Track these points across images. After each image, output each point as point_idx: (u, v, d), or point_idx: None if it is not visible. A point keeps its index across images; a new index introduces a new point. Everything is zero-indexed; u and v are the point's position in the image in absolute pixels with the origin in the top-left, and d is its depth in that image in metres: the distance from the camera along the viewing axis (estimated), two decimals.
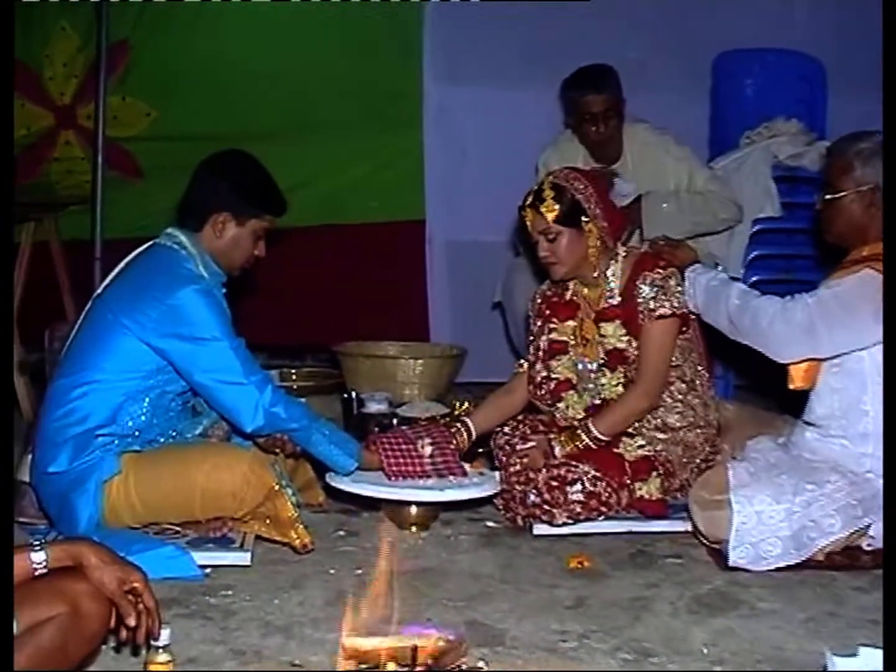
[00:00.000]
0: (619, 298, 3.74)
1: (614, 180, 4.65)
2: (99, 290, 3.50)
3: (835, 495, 3.35)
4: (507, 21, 5.62)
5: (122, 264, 3.52)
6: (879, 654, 2.34)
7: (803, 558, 3.31)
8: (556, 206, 3.63)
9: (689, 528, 3.55)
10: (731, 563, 3.29)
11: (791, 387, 3.51)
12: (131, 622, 2.16)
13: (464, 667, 2.43)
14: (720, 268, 4.28)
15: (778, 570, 3.28)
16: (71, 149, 5.85)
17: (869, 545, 3.41)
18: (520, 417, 3.90)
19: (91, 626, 2.14)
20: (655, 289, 3.65)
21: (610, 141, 4.72)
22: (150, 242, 3.51)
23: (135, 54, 5.74)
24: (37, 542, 2.15)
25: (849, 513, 3.34)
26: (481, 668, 2.50)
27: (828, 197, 3.46)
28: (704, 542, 3.47)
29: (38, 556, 2.11)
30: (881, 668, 2.30)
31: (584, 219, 3.65)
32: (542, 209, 3.64)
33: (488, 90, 5.66)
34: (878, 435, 3.35)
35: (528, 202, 3.70)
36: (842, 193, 3.43)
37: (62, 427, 3.29)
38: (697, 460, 3.73)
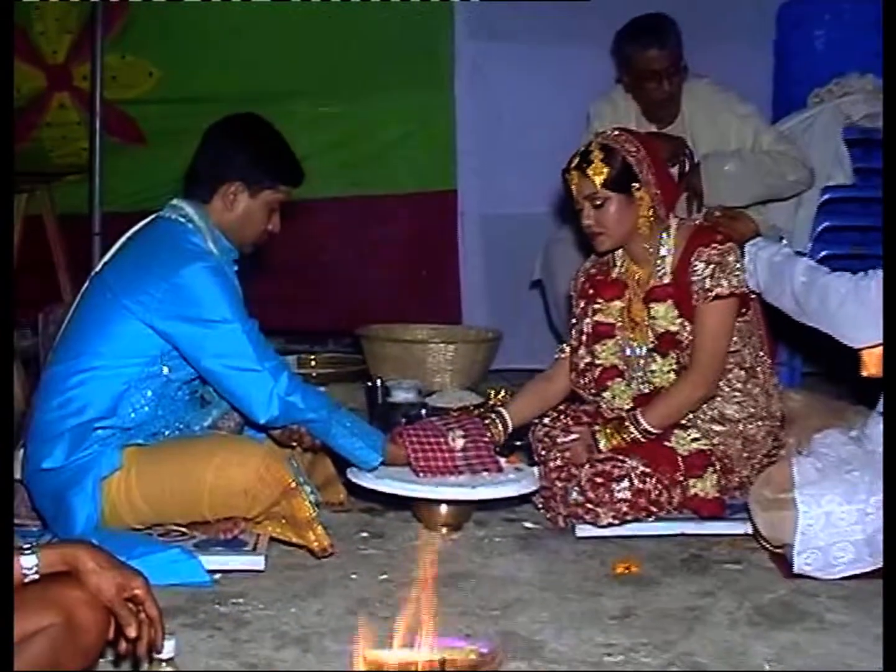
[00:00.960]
0: (671, 276, 3.73)
1: None
2: (97, 268, 3.51)
3: None
4: None
5: (122, 239, 3.52)
6: None
7: (878, 565, 3.27)
8: (605, 169, 3.62)
9: (749, 530, 3.54)
10: (796, 570, 3.27)
11: (864, 374, 3.49)
12: (131, 633, 2.16)
13: None
14: (785, 241, 4.25)
15: (849, 578, 3.26)
16: (65, 112, 5.88)
17: None
18: (561, 408, 3.90)
19: (87, 638, 2.14)
20: (712, 266, 3.63)
21: (670, 100, 4.72)
22: (154, 215, 3.52)
23: (135, 7, 5.74)
24: (27, 546, 2.14)
25: None
26: None
27: None
28: (766, 546, 3.45)
29: (29, 561, 2.10)
30: None
31: (634, 185, 3.64)
32: (590, 172, 3.63)
33: (526, 46, 5.66)
34: None
35: (573, 164, 3.69)
36: None
37: (57, 419, 3.30)
38: (759, 455, 3.72)
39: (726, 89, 4.79)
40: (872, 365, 3.46)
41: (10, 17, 2.53)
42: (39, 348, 4.04)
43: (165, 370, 3.39)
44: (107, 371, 3.32)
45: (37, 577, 2.12)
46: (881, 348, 3.42)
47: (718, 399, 3.71)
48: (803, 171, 4.74)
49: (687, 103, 4.76)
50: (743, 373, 3.73)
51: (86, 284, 3.51)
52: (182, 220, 3.44)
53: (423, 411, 4.30)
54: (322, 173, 5.76)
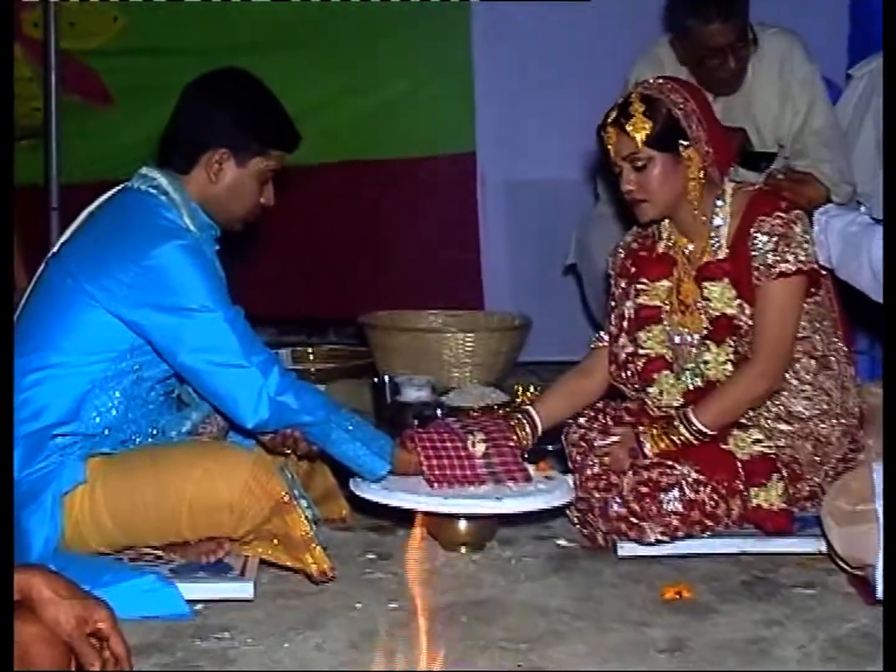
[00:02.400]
0: (727, 250, 3.73)
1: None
2: (55, 249, 3.52)
3: None
4: None
5: (84, 214, 3.53)
6: None
7: None
8: (648, 124, 3.62)
9: (823, 548, 3.53)
10: (879, 596, 3.24)
11: None
12: None
13: None
14: (863, 208, 4.24)
15: None
16: (16, 66, 5.86)
17: None
18: (599, 406, 3.91)
19: None
20: (775, 238, 3.63)
21: (735, 77, 4.68)
22: (121, 186, 3.53)
23: None
24: None
25: None
26: None
27: None
28: (843, 566, 3.44)
29: None
30: None
31: (682, 142, 3.64)
32: (629, 127, 3.63)
33: None
34: None
35: (610, 119, 3.69)
36: None
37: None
38: (833, 459, 3.73)
39: (792, 38, 4.75)
40: None
41: (10, 18, 2.52)
42: None
43: (136, 367, 3.39)
44: (67, 369, 3.33)
45: None
46: None
47: (784, 394, 3.71)
48: (845, 188, 4.66)
49: (750, 65, 4.72)
50: (813, 363, 3.73)
51: (41, 268, 3.51)
52: (154, 191, 3.44)
53: (439, 412, 4.32)
54: (318, 135, 5.77)
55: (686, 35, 4.64)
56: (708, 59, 4.58)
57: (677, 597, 3.34)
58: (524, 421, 3.88)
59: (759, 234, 3.64)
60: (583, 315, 5.24)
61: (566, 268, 5.29)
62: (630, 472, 3.60)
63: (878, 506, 3.29)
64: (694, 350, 3.78)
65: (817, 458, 3.70)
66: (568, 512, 3.75)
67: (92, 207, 3.52)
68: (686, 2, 4.60)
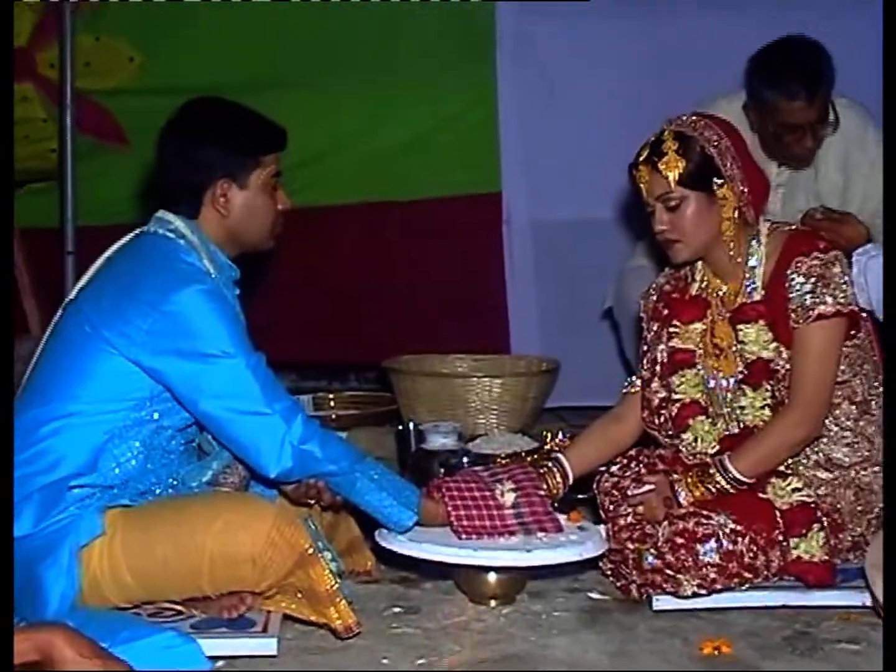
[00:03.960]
0: (763, 292, 3.73)
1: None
2: (72, 295, 3.53)
3: None
4: None
5: (101, 259, 3.54)
6: None
7: None
8: (681, 162, 3.64)
9: (868, 601, 3.51)
10: None
11: None
12: None
13: None
14: None
15: None
16: (29, 107, 5.92)
17: None
18: (632, 453, 3.91)
19: None
20: (813, 279, 3.63)
21: (808, 154, 4.62)
22: (138, 231, 3.55)
23: None
24: None
25: None
26: None
27: None
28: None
29: None
30: None
31: (716, 181, 3.65)
32: (662, 166, 3.65)
33: (582, 17, 5.65)
34: None
35: (642, 157, 3.71)
36: None
37: (26, 476, 3.29)
38: (876, 509, 3.71)
39: (867, 119, 4.69)
40: None
41: (9, 18, 2.53)
42: None
43: (155, 416, 3.40)
44: (85, 418, 3.33)
45: None
46: None
47: (824, 440, 3.71)
48: None
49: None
50: (854, 408, 3.73)
51: (58, 314, 3.53)
52: (171, 235, 3.46)
53: (465, 459, 4.31)
54: (338, 175, 5.84)
55: (765, 106, 4.55)
56: (785, 134, 4.52)
57: (716, 653, 3.31)
58: (554, 469, 3.88)
59: (796, 276, 3.64)
60: (613, 359, 5.23)
61: (604, 312, 5.28)
62: (665, 522, 3.58)
63: None
64: (729, 395, 3.78)
65: (860, 507, 3.69)
66: (601, 563, 3.74)
67: (109, 252, 3.54)
68: (770, 73, 4.50)
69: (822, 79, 4.45)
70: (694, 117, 3.74)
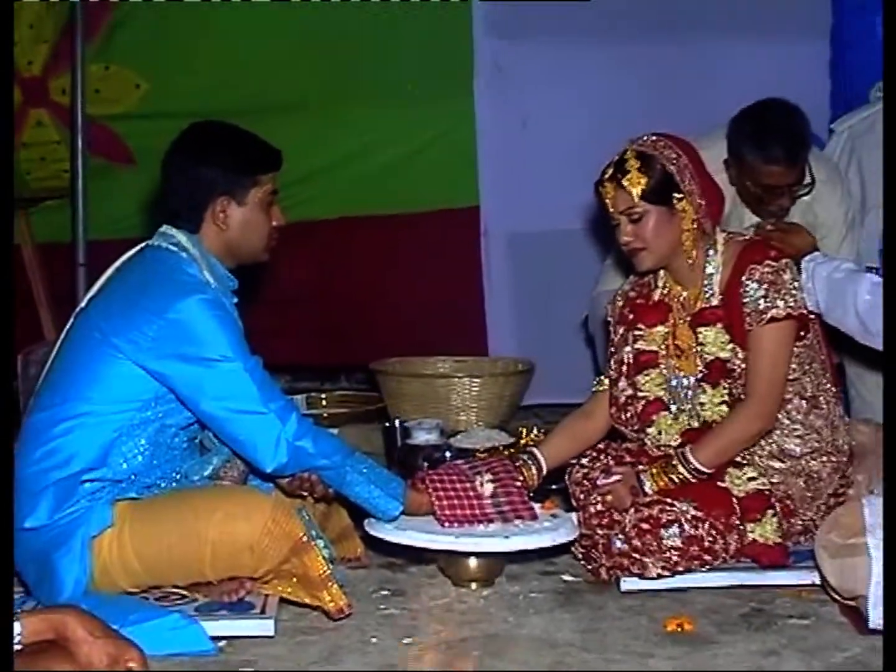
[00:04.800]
0: (720, 297, 3.74)
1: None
2: (83, 304, 3.53)
3: None
4: None
5: (109, 271, 3.54)
6: None
7: None
8: (643, 179, 3.64)
9: (817, 580, 3.52)
10: (872, 626, 3.23)
11: None
12: None
13: None
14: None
15: None
16: (44, 131, 5.92)
17: None
18: (601, 446, 3.91)
19: None
20: (765, 285, 3.65)
21: (786, 212, 4.50)
22: (143, 244, 3.54)
23: (119, 12, 5.78)
24: None
25: None
26: None
27: None
28: (837, 597, 3.42)
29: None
30: None
31: (676, 195, 3.66)
32: (626, 183, 3.65)
33: (553, 45, 5.67)
34: None
35: (607, 175, 3.71)
36: None
37: (41, 472, 3.30)
38: (824, 495, 3.73)
39: (834, 177, 4.66)
40: None
41: (9, 19, 2.51)
42: (19, 393, 4.04)
43: (160, 415, 3.40)
44: (95, 418, 3.33)
45: (20, 647, 2.12)
46: None
47: (777, 433, 3.71)
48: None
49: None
50: (804, 403, 3.74)
51: (70, 322, 3.52)
52: (174, 248, 3.46)
53: (448, 454, 4.30)
54: (330, 191, 5.83)
55: (744, 166, 4.44)
56: (763, 194, 4.43)
57: (678, 629, 3.32)
58: (529, 462, 3.88)
59: (749, 282, 3.65)
60: (583, 360, 5.23)
61: (580, 322, 5.28)
62: (631, 510, 3.59)
63: (869, 539, 3.29)
64: (690, 392, 3.79)
65: (809, 494, 3.70)
66: (573, 548, 3.74)
67: (117, 264, 3.54)
68: (752, 136, 4.38)
69: (802, 144, 4.39)
70: (654, 137, 3.74)
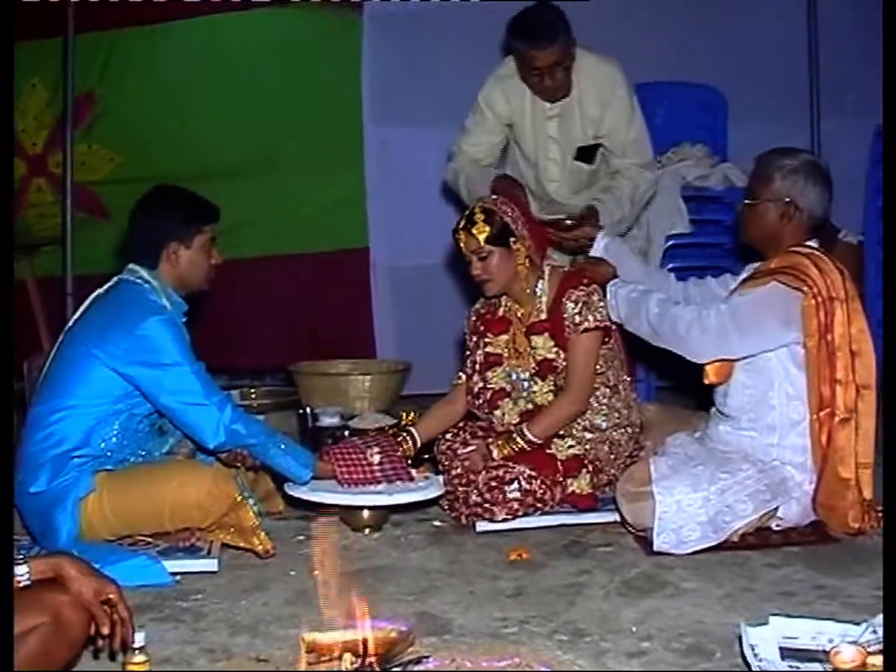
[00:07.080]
0: (547, 313, 3.77)
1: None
2: (70, 323, 3.50)
3: (746, 482, 3.39)
4: (434, 70, 5.71)
5: (90, 298, 3.52)
6: (787, 622, 2.42)
7: (720, 540, 3.34)
8: (487, 228, 3.65)
9: (618, 518, 3.57)
10: (655, 549, 3.33)
11: (706, 382, 3.54)
12: (105, 630, 2.18)
13: (411, 655, 2.46)
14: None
15: (698, 552, 3.32)
16: (43, 194, 5.84)
17: (777, 525, 3.47)
18: (460, 425, 3.91)
19: (72, 633, 2.15)
20: (580, 304, 3.69)
21: (559, 88, 4.19)
22: (116, 278, 3.52)
23: (101, 105, 5.74)
24: (20, 557, 2.17)
25: (759, 497, 3.39)
26: (426, 656, 2.53)
27: (747, 202, 3.54)
28: (631, 530, 3.50)
29: (21, 570, 2.12)
30: (789, 635, 2.38)
31: (512, 239, 3.68)
32: (474, 231, 3.66)
33: (421, 128, 5.66)
34: (784, 426, 3.45)
35: (460, 225, 3.72)
36: (759, 200, 3.49)
37: (41, 450, 3.29)
38: (623, 457, 3.77)
39: (610, 62, 4.27)
40: (713, 374, 3.50)
41: (10, 18, 2.43)
42: (25, 391, 3.99)
43: (129, 407, 3.38)
44: (80, 409, 3.32)
45: (28, 583, 2.13)
46: (719, 363, 3.50)
47: (589, 412, 3.75)
48: (652, 184, 4.43)
49: (576, 77, 4.21)
50: (608, 390, 3.78)
51: (61, 337, 3.49)
52: (139, 281, 3.44)
53: (346, 433, 4.27)
54: (257, 236, 5.83)
55: (517, 55, 4.17)
56: (535, 75, 4.14)
57: (518, 558, 3.36)
58: (408, 438, 3.89)
59: (568, 302, 3.70)
60: (447, 361, 5.21)
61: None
62: (483, 472, 3.62)
63: (654, 487, 3.36)
64: (526, 384, 3.81)
65: (612, 456, 3.75)
66: (440, 501, 3.75)
67: (96, 293, 3.51)
68: (517, 28, 4.07)
69: (557, 29, 4.04)
70: (494, 197, 3.79)
